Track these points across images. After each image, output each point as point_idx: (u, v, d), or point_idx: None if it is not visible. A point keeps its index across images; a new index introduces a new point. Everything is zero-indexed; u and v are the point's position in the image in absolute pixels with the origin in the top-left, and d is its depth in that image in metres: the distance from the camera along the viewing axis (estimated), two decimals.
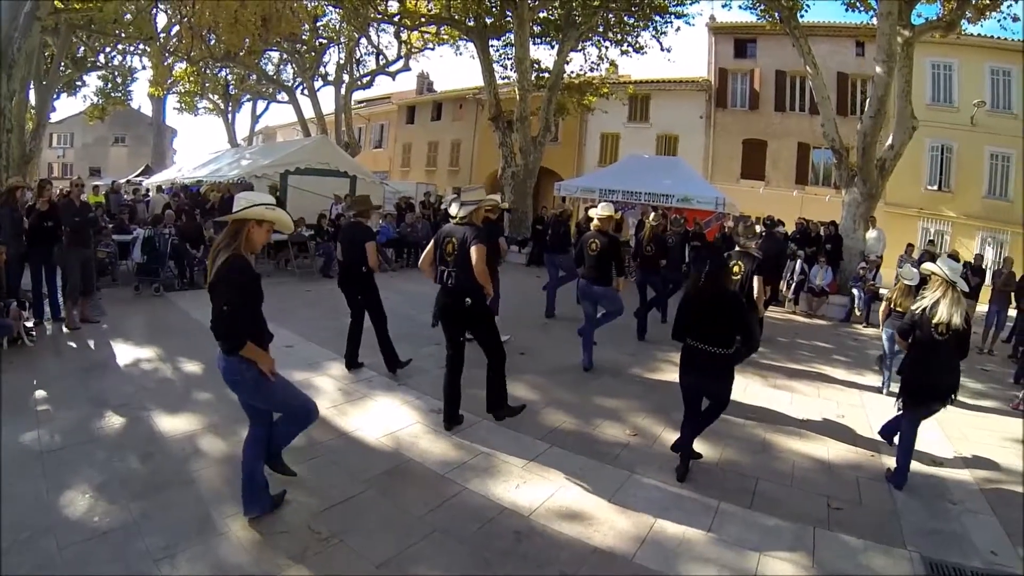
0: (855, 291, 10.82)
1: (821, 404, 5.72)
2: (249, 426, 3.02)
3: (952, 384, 4.00)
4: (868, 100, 11.33)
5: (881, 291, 10.56)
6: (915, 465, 4.30)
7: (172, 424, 4.03)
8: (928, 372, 3.99)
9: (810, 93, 19.88)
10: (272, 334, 3.00)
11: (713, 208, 13.38)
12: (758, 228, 7.59)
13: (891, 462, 4.35)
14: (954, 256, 10.08)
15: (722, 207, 13.40)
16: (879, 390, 6.37)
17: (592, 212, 6.27)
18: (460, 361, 4.29)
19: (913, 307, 4.15)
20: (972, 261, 10.11)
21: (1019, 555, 3.30)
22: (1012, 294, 9.25)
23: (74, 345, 5.80)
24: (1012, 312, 9.46)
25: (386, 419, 4.38)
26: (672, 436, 4.46)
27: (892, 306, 6.19)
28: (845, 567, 3.04)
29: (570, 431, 4.48)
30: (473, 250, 3.95)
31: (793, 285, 11.22)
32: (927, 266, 4.33)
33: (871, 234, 11.92)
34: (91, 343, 5.86)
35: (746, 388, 5.80)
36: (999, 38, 16.39)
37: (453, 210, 4.24)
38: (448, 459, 3.83)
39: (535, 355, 6.45)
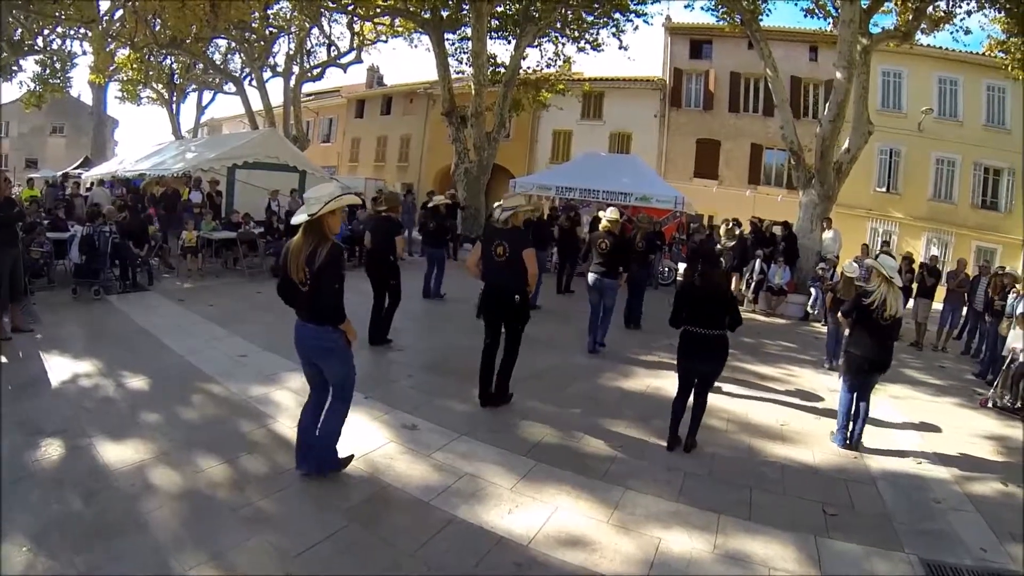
0: (813, 290, 11.02)
1: (796, 406, 5.76)
2: (312, 395, 3.49)
3: (889, 357, 4.75)
4: (827, 105, 11.56)
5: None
6: (899, 464, 4.58)
7: (118, 453, 3.54)
8: (872, 349, 4.66)
9: (764, 95, 20.44)
10: None
11: (672, 207, 13.37)
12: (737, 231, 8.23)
13: (874, 464, 4.53)
14: (888, 254, 10.54)
15: (681, 206, 13.44)
16: (824, 364, 7.43)
17: (601, 215, 7.16)
18: (496, 349, 4.80)
19: (865, 300, 4.68)
20: (928, 262, 10.42)
21: (1007, 552, 3.41)
22: (965, 294, 9.56)
23: (3, 359, 5.14)
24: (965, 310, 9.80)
25: (356, 438, 3.97)
26: (658, 445, 4.45)
27: (836, 295, 7.23)
28: (850, 574, 3.04)
29: (553, 444, 4.29)
30: (527, 254, 4.49)
31: (753, 284, 11.36)
32: (868, 262, 5.11)
33: (827, 234, 12.19)
34: (22, 356, 5.23)
35: (720, 389, 5.74)
36: (949, 49, 17.19)
37: (497, 214, 4.77)
38: (431, 483, 3.52)
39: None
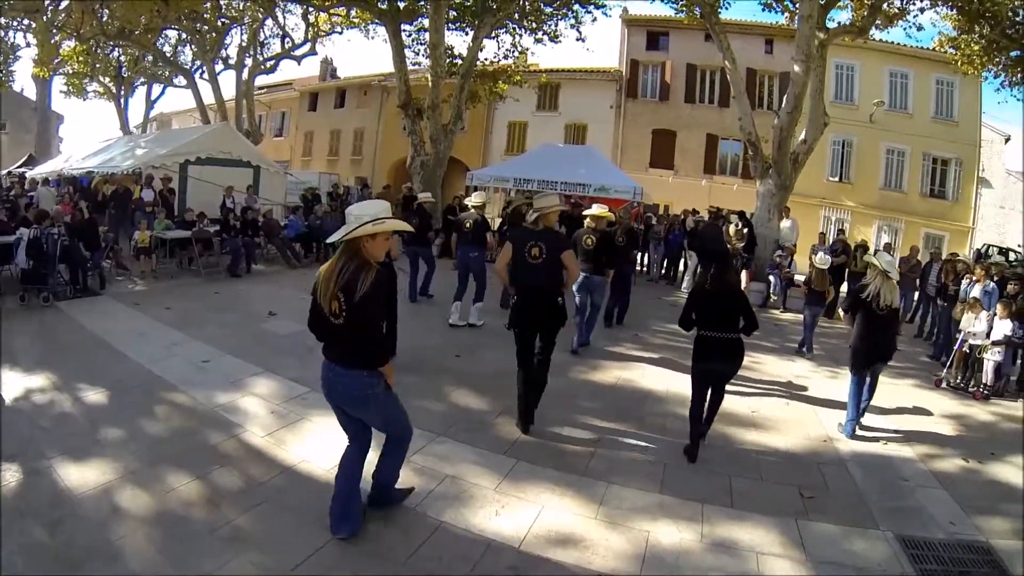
0: (772, 278, 11.24)
1: (765, 393, 5.87)
2: (351, 444, 3.01)
3: (891, 346, 5.01)
4: (785, 97, 11.75)
5: (796, 277, 11.08)
6: (866, 445, 4.78)
7: (81, 475, 3.29)
8: (873, 339, 4.88)
9: (719, 86, 20.80)
10: None
11: (630, 197, 13.39)
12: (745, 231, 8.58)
13: (843, 447, 4.72)
14: (863, 246, 10.97)
15: (639, 196, 13.48)
16: (800, 351, 7.56)
17: (586, 212, 6.95)
18: (532, 365, 4.44)
19: (862, 293, 4.91)
20: (883, 249, 10.76)
21: (974, 524, 3.66)
22: (917, 279, 9.95)
23: None
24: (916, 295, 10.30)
25: (331, 445, 3.79)
26: (635, 438, 4.50)
27: (812, 287, 7.58)
28: (832, 555, 3.18)
29: (532, 442, 4.25)
30: (567, 255, 4.39)
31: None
32: (868, 258, 5.25)
33: (785, 223, 12.42)
34: None
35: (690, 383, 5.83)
36: (900, 44, 17.85)
37: (531, 217, 4.68)
38: (414, 488, 3.41)
39: (474, 356, 6.15)
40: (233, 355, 5.55)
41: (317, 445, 3.88)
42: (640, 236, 12.98)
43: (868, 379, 5.01)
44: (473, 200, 7.81)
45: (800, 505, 3.66)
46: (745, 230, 8.16)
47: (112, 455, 3.56)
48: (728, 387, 4.43)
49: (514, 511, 3.29)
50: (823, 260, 7.60)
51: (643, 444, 4.40)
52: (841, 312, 5.27)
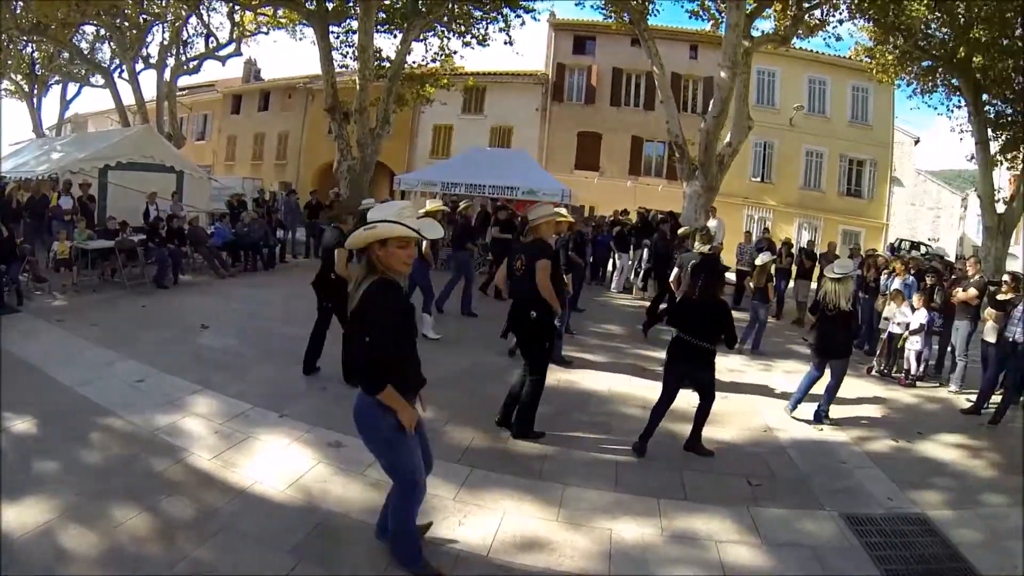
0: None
1: None
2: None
3: (839, 344, 5.34)
4: (711, 102, 12.20)
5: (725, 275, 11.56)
6: (804, 432, 5.13)
7: (18, 516, 2.96)
8: (825, 336, 5.37)
9: (644, 90, 21.48)
10: (424, 379, 2.67)
11: (559, 200, 13.46)
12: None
13: (783, 435, 5.02)
14: (788, 243, 11.56)
15: (568, 199, 13.64)
16: (745, 351, 7.72)
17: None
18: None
19: (818, 297, 5.56)
20: (806, 247, 11.41)
21: (909, 498, 4.02)
22: None
23: None
24: None
25: (282, 464, 3.75)
26: (583, 439, 4.58)
27: (754, 284, 7.93)
28: (786, 537, 3.38)
29: (483, 448, 4.27)
30: (538, 265, 4.30)
31: (641, 272, 11.90)
32: (829, 268, 5.67)
33: (712, 223, 12.81)
34: None
35: (630, 382, 6.04)
36: (819, 52, 18.92)
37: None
38: (372, 504, 3.28)
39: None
40: (168, 373, 5.26)
41: (267, 465, 3.74)
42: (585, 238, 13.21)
43: (828, 374, 5.37)
44: (427, 208, 7.69)
45: (749, 493, 3.87)
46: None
47: (50, 491, 3.24)
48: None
49: (477, 519, 3.30)
50: (764, 259, 8.02)
51: (592, 444, 4.51)
52: (808, 313, 5.83)
